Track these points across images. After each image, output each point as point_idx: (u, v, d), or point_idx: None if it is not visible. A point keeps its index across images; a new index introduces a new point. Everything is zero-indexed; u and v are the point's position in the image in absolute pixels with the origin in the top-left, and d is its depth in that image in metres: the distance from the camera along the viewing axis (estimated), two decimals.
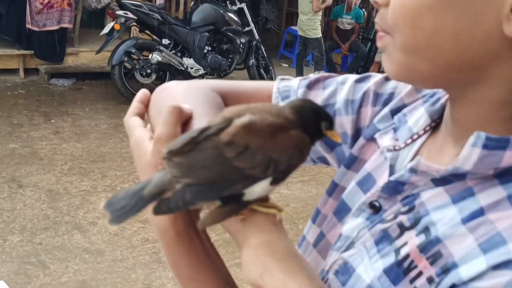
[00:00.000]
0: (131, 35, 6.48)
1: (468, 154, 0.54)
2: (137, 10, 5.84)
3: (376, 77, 0.78)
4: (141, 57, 5.92)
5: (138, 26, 6.10)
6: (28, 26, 6.23)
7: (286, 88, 0.81)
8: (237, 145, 0.53)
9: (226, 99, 0.78)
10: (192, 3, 7.04)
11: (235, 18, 6.46)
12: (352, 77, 0.80)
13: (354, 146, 0.75)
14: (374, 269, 0.60)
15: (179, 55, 6.19)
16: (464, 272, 0.51)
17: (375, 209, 0.64)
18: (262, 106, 0.57)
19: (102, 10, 7.39)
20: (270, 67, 6.88)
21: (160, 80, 5.96)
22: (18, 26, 6.26)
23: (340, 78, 0.81)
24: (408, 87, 0.73)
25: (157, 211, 0.54)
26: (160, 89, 0.75)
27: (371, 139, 0.72)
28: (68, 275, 3.03)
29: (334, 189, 0.75)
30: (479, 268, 0.50)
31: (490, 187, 0.54)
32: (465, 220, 0.54)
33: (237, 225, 0.56)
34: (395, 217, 0.61)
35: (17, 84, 6.15)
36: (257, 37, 6.78)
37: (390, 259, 0.59)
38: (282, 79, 0.83)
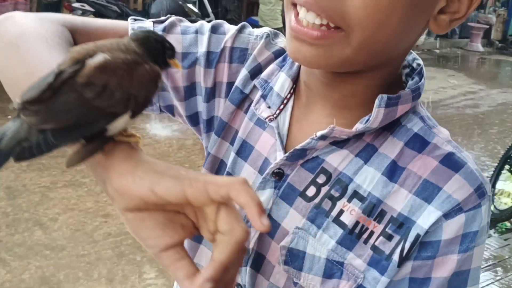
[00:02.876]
0: None
1: (376, 115, 0.62)
2: (94, 2, 5.79)
3: (229, 29, 0.80)
4: None
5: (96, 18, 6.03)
6: None
7: (140, 29, 0.79)
8: (95, 86, 0.53)
9: (76, 35, 0.76)
10: None
11: (194, 9, 6.46)
12: (207, 26, 0.80)
13: (222, 112, 0.77)
14: (324, 243, 0.65)
15: None
16: (422, 222, 0.62)
17: (279, 176, 0.69)
18: (109, 43, 0.57)
19: (58, 3, 7.26)
20: None
21: None
22: None
23: (197, 25, 0.81)
24: (260, 44, 0.78)
25: (19, 158, 0.52)
26: (5, 16, 0.73)
27: (238, 105, 0.76)
28: (29, 272, 3.01)
29: (207, 158, 0.79)
30: (433, 217, 0.61)
31: (385, 140, 0.65)
32: (388, 176, 0.64)
33: (101, 159, 0.56)
34: (318, 190, 0.66)
35: None
36: None
37: (336, 230, 0.65)
38: (135, 19, 0.82)
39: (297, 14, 0.60)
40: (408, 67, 0.70)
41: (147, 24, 0.81)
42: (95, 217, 3.58)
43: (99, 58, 0.55)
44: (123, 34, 0.78)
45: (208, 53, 0.78)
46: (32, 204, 3.70)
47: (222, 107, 0.78)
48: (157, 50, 0.59)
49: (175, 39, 0.78)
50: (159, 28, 0.79)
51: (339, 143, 0.66)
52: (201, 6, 6.67)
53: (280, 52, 0.77)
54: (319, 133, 0.65)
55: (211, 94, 0.79)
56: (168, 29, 0.80)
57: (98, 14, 5.86)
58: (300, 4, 0.59)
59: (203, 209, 0.53)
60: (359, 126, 0.64)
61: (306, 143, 0.66)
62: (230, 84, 0.78)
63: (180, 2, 6.36)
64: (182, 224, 0.54)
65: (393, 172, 0.64)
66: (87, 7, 5.74)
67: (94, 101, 0.53)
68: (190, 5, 6.44)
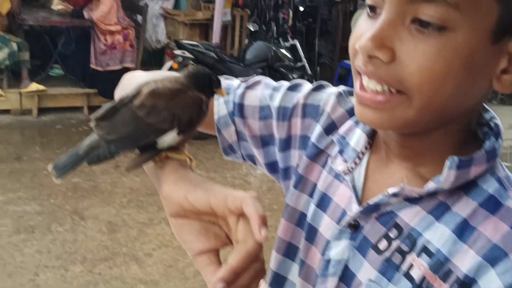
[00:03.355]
0: None
1: (447, 176, 0.63)
2: (193, 49, 6.08)
3: (305, 88, 0.86)
4: None
5: (194, 64, 6.34)
6: (92, 66, 6.57)
7: (228, 86, 0.90)
8: (146, 106, 0.70)
9: None
10: (246, 41, 7.26)
11: (288, 54, 6.60)
12: (286, 84, 0.88)
13: (299, 165, 0.83)
14: None
15: None
16: (483, 285, 0.60)
17: (354, 227, 0.72)
18: (164, 77, 0.75)
19: (161, 50, 7.73)
20: None
21: None
22: (82, 66, 6.61)
23: (276, 84, 0.90)
24: (332, 101, 0.82)
25: (90, 162, 0.70)
26: (129, 74, 0.94)
27: (314, 159, 0.81)
28: None
29: (286, 210, 0.83)
30: (495, 285, 0.59)
31: (459, 199, 0.65)
32: (458, 234, 0.63)
33: (157, 171, 0.72)
34: (389, 244, 0.68)
35: (81, 121, 6.49)
36: (309, 72, 6.89)
37: (406, 284, 0.66)
38: (226, 78, 0.93)
39: (361, 82, 0.65)
40: (486, 125, 0.70)
41: (235, 82, 0.91)
42: (187, 255, 3.69)
43: (150, 86, 0.72)
44: None
45: (281, 108, 0.85)
46: (130, 239, 3.90)
47: (298, 160, 0.84)
48: (203, 82, 0.74)
49: (254, 94, 0.88)
50: (243, 86, 0.90)
51: (413, 200, 0.67)
52: (294, 51, 6.82)
53: (354, 110, 0.80)
54: (390, 191, 0.67)
55: (285, 145, 0.85)
56: (251, 86, 0.90)
57: (197, 60, 6.17)
58: (362, 72, 0.64)
59: (227, 220, 0.64)
60: (430, 186, 0.65)
61: (379, 199, 0.69)
62: (303, 137, 0.84)
63: (274, 48, 6.55)
64: (216, 233, 0.67)
65: (463, 231, 0.64)
66: (187, 54, 6.05)
67: (145, 118, 0.69)
68: (283, 50, 6.61)
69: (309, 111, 0.84)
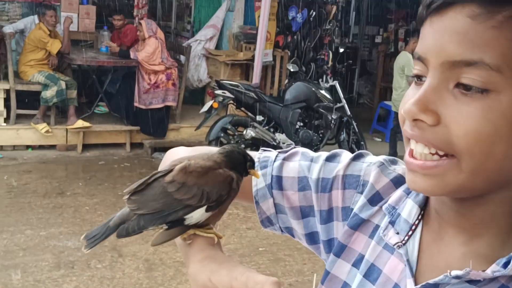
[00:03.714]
0: (228, 112, 6.83)
1: None
2: (234, 89, 6.18)
3: (344, 158, 0.86)
4: (236, 133, 6.21)
5: (234, 104, 6.43)
6: (136, 104, 6.75)
7: (265, 158, 0.91)
8: (177, 183, 0.71)
9: None
10: (286, 81, 7.34)
11: (327, 95, 6.63)
12: (324, 155, 0.88)
13: (341, 235, 0.82)
14: None
15: (271, 130, 6.42)
16: None
17: None
18: (199, 155, 0.77)
19: (202, 89, 7.89)
20: (362, 142, 6.91)
21: None
22: (126, 104, 6.81)
23: (314, 154, 0.90)
24: (373, 171, 0.82)
25: (119, 235, 0.72)
26: (172, 150, 0.96)
27: (357, 229, 0.80)
28: None
29: (326, 277, 0.82)
30: None
31: None
32: None
33: (186, 248, 0.75)
34: None
35: (123, 157, 6.64)
36: (348, 112, 6.88)
37: None
38: (264, 150, 0.95)
39: (411, 149, 0.65)
40: None
41: (272, 154, 0.92)
42: None
43: (183, 162, 0.74)
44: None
45: (319, 180, 0.85)
46: (166, 278, 3.92)
47: (341, 231, 0.82)
48: (237, 161, 0.77)
49: (292, 166, 0.89)
50: (281, 157, 0.91)
51: (473, 281, 0.65)
52: (334, 92, 6.85)
53: (399, 179, 0.80)
54: (453, 273, 0.65)
55: (327, 218, 0.84)
56: (288, 158, 0.90)
57: (237, 100, 6.27)
58: (409, 137, 0.64)
59: None
60: (495, 270, 0.63)
61: (440, 279, 0.67)
62: (345, 208, 0.83)
63: (313, 89, 6.59)
64: None
65: None
66: (228, 94, 6.16)
67: (174, 194, 0.71)
68: (323, 91, 6.64)
69: (350, 182, 0.83)
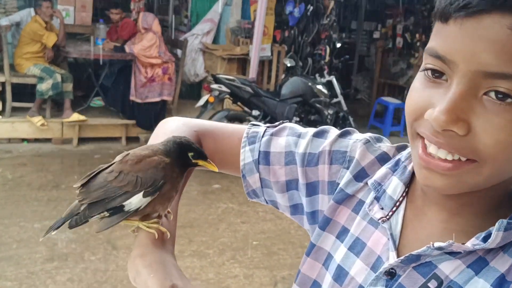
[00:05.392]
0: (224, 107, 6.82)
1: (495, 237, 0.63)
2: (230, 84, 6.17)
3: (331, 134, 0.88)
4: None
5: (230, 98, 6.43)
6: (132, 98, 6.74)
7: (253, 134, 0.94)
8: (115, 172, 0.78)
9: (204, 137, 0.95)
10: (283, 76, 7.33)
11: (323, 90, 6.63)
12: (311, 131, 0.90)
13: (327, 209, 0.84)
14: None
15: None
16: None
17: (391, 275, 0.72)
18: (144, 146, 0.82)
19: (199, 83, 7.88)
20: None
21: None
22: (122, 98, 6.80)
23: (302, 130, 0.92)
24: (359, 148, 0.84)
25: (70, 226, 0.78)
26: (163, 121, 0.99)
27: (342, 203, 0.82)
28: None
29: (312, 249, 0.84)
30: None
31: (496, 255, 0.66)
32: None
33: (134, 239, 0.78)
34: None
35: (119, 151, 6.57)
36: (345, 108, 6.89)
37: None
38: (253, 125, 0.96)
39: (424, 146, 0.64)
40: None
41: (260, 129, 0.94)
42: None
43: (122, 155, 0.81)
44: (241, 137, 0.95)
45: (306, 154, 0.87)
46: None
47: (326, 204, 0.85)
48: (175, 149, 0.80)
49: (280, 141, 0.91)
50: (269, 132, 0.93)
51: (453, 253, 0.68)
52: (331, 87, 6.84)
53: (383, 156, 0.83)
54: (436, 244, 0.67)
55: (312, 191, 0.87)
56: (276, 133, 0.93)
57: (233, 94, 6.25)
58: (430, 141, 0.63)
59: None
60: (475, 244, 0.65)
61: (422, 250, 0.69)
62: (331, 182, 0.86)
63: (310, 84, 6.58)
64: None
65: (501, 285, 0.64)
66: (224, 88, 6.14)
67: (113, 182, 0.77)
68: (319, 86, 6.63)
69: (336, 157, 0.86)
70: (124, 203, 0.76)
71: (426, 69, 0.64)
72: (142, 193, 0.76)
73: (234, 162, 0.94)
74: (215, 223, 4.75)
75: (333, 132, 0.89)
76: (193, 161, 0.81)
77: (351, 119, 6.89)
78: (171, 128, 0.94)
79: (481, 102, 0.59)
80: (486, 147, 0.59)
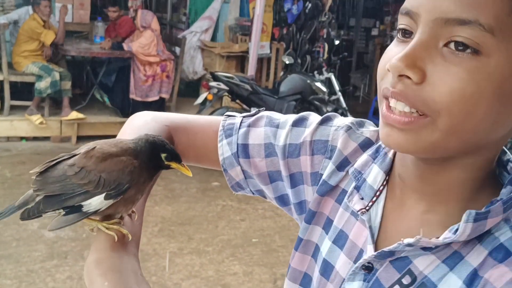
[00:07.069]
0: (222, 104, 6.81)
1: (464, 229, 0.62)
2: (228, 81, 6.17)
3: (311, 121, 0.85)
4: None
5: (229, 96, 6.42)
6: (132, 96, 6.74)
7: (230, 126, 0.89)
8: (76, 167, 0.69)
9: (176, 132, 0.89)
10: (282, 73, 7.32)
11: (322, 88, 6.62)
12: (290, 119, 0.87)
13: (312, 202, 0.82)
14: None
15: None
16: None
17: (368, 269, 0.71)
18: (113, 141, 0.73)
19: (197, 81, 7.87)
20: None
21: None
22: (122, 97, 6.79)
23: (281, 119, 0.88)
24: (341, 136, 0.81)
25: (22, 218, 0.71)
26: (132, 116, 0.92)
27: (325, 195, 0.80)
28: None
29: (300, 243, 0.83)
30: None
31: (472, 248, 0.64)
32: (467, 284, 0.63)
33: (93, 240, 0.72)
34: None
35: None
36: (343, 105, 6.88)
37: None
38: (228, 115, 0.91)
39: (388, 104, 0.64)
40: (503, 167, 0.69)
41: (237, 120, 0.90)
42: (215, 286, 3.69)
43: (87, 146, 0.71)
44: (217, 130, 0.90)
45: (286, 146, 0.84)
46: (159, 268, 3.92)
47: (311, 196, 0.83)
48: (146, 149, 0.72)
49: (258, 132, 0.88)
50: (246, 123, 0.89)
51: (428, 248, 0.67)
52: (329, 84, 6.83)
53: (366, 143, 0.80)
54: (406, 241, 0.66)
55: (295, 181, 0.85)
56: (253, 123, 0.89)
57: (231, 92, 6.24)
58: (389, 95, 0.63)
59: None
60: (447, 236, 0.64)
61: (394, 247, 0.68)
62: (314, 173, 0.83)
63: (309, 81, 6.58)
64: None
65: (472, 281, 0.63)
66: (222, 86, 6.13)
67: (72, 178, 0.68)
68: (318, 84, 6.62)
69: (318, 147, 0.83)
70: (82, 203, 0.68)
71: (398, 31, 0.64)
72: (104, 195, 0.68)
73: (210, 156, 0.90)
74: (215, 220, 4.75)
75: (313, 118, 0.86)
76: (166, 163, 0.73)
77: (349, 116, 6.88)
78: (139, 124, 0.88)
79: (441, 53, 0.59)
80: (441, 97, 0.58)
